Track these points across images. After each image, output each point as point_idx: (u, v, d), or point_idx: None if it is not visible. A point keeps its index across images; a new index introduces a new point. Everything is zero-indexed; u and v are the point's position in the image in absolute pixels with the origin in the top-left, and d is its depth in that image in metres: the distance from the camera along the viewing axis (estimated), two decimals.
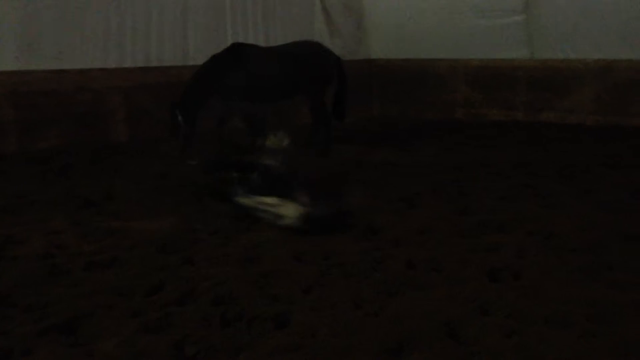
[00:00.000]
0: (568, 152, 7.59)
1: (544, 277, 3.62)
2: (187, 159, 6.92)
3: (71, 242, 4.41)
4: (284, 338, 2.95)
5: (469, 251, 4.09)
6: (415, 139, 8.92)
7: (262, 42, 10.00)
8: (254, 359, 2.78)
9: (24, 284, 3.64)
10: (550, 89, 9.85)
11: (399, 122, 10.67)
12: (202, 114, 7.31)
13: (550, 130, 9.20)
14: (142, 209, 5.23)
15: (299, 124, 8.74)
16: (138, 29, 8.46)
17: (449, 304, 3.27)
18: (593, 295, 3.34)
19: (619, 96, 9.28)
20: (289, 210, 4.56)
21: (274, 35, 10.21)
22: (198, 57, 8.67)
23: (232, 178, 5.32)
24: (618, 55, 9.18)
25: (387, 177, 6.42)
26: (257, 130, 7.42)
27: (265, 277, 3.70)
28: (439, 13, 10.63)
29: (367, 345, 2.86)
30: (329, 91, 7.73)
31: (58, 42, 7.68)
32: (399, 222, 4.78)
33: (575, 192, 5.60)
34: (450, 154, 7.68)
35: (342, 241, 4.36)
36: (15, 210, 5.21)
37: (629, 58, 9.10)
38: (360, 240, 4.39)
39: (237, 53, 7.35)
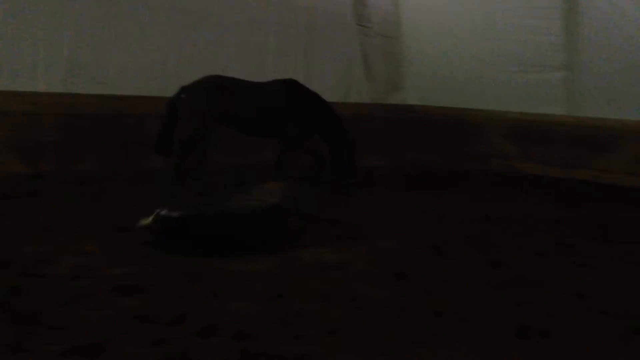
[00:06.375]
0: (603, 212, 7.44)
1: (573, 338, 3.51)
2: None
3: (100, 265, 4.45)
4: None
5: (498, 305, 3.99)
6: (447, 187, 8.85)
7: (302, 80, 10.19)
8: None
9: (51, 303, 3.66)
10: (587, 147, 9.69)
11: (432, 168, 10.63)
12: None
13: (584, 188, 9.04)
14: None
15: None
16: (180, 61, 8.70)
17: (474, 358, 3.18)
18: None
19: None
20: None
21: (313, 74, 10.36)
22: None
23: None
24: None
25: (417, 222, 6.35)
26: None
27: (290, 315, 3.66)
28: (477, 64, 10.65)
29: None
30: None
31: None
32: (427, 269, 4.72)
33: (610, 253, 5.46)
34: (482, 205, 7.58)
35: (369, 284, 4.31)
36: (50, 229, 5.29)
37: None
38: (388, 285, 4.34)
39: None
